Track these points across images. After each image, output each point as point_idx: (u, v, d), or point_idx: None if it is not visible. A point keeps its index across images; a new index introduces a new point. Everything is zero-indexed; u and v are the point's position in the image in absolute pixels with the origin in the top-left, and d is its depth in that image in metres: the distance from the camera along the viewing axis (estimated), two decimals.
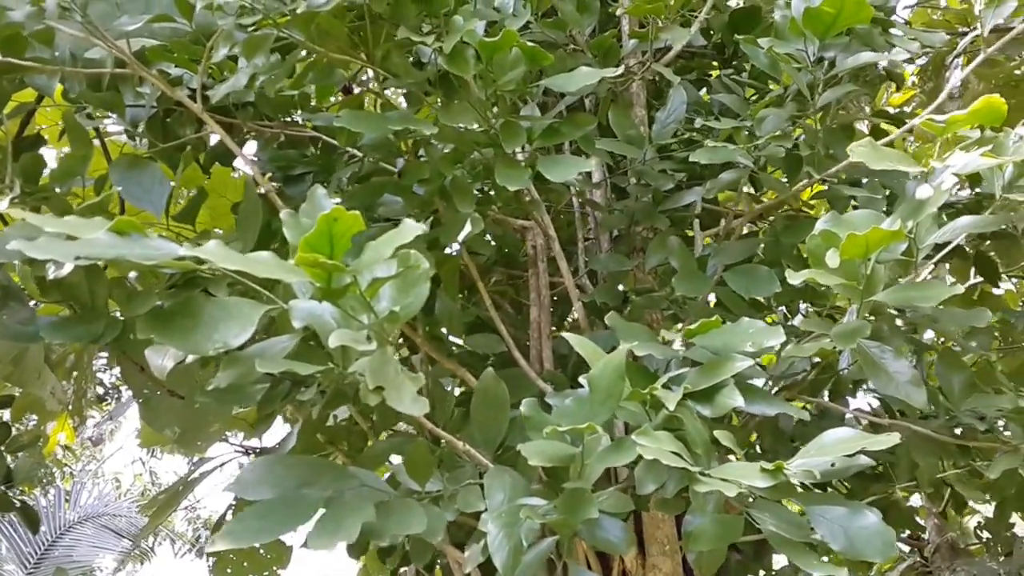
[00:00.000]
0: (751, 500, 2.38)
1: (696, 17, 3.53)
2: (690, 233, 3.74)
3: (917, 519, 6.10)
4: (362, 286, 2.02)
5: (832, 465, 2.28)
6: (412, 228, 1.98)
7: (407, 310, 2.17)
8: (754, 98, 3.61)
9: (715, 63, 4.20)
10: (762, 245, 3.36)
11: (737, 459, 2.43)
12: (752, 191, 3.77)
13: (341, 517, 2.26)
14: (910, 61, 3.43)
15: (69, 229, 1.93)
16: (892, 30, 3.31)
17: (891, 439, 2.14)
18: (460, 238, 2.81)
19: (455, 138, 2.87)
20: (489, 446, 2.73)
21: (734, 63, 4.03)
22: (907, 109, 7.02)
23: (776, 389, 3.28)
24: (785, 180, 3.26)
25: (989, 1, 2.97)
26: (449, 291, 3.30)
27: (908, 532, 6.32)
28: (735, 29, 3.79)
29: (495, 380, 2.76)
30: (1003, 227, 3.30)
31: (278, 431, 3.91)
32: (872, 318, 2.97)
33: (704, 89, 4.10)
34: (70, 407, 5.58)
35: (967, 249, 3.88)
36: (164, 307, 2.24)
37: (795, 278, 2.39)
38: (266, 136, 3.59)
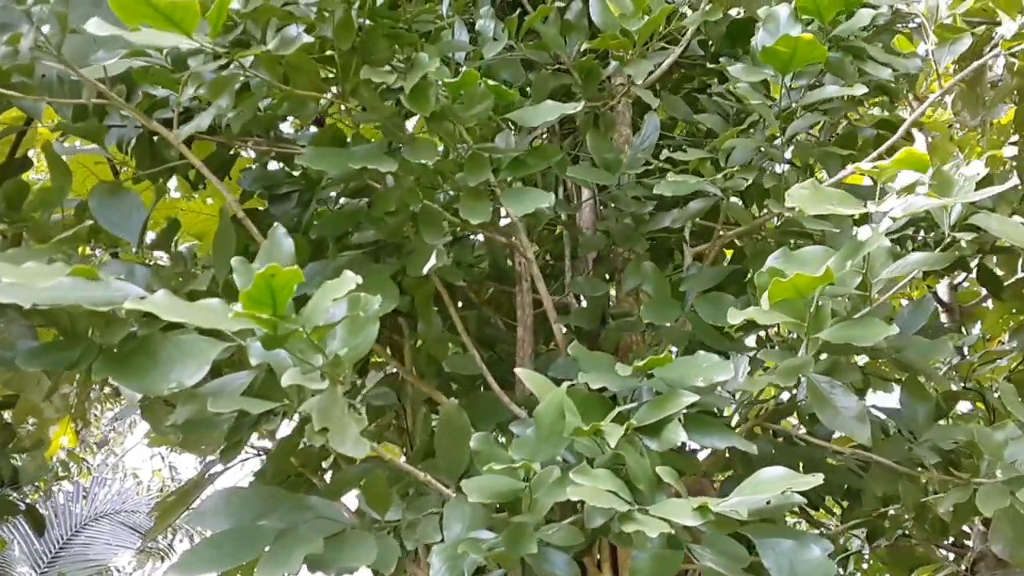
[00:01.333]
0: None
1: (683, 34, 3.71)
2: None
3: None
4: (306, 333, 2.23)
5: (768, 503, 2.48)
6: (350, 280, 2.20)
7: (355, 351, 2.39)
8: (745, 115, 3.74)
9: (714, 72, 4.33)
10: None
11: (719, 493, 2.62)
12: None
13: (290, 549, 2.50)
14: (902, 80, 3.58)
15: (27, 278, 2.17)
16: (874, 51, 3.45)
17: (816, 479, 2.35)
18: (425, 270, 3.00)
19: (420, 171, 3.07)
20: (453, 475, 2.92)
21: None
22: (948, 99, 7.14)
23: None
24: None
25: (940, 42, 3.14)
26: (424, 316, 3.50)
27: (952, 540, 6.38)
28: (733, 40, 3.96)
29: (457, 411, 2.97)
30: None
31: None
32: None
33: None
34: (72, 411, 5.83)
35: (969, 262, 4.03)
36: (120, 348, 2.48)
37: (735, 317, 2.59)
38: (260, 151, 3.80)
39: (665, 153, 3.38)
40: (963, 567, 6.31)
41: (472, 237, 4.03)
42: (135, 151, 3.54)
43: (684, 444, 2.99)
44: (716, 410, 3.35)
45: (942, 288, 6.66)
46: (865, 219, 2.94)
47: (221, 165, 3.75)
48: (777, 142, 3.30)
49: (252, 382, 2.66)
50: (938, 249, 2.88)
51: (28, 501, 6.08)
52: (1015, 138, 5.86)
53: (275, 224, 2.58)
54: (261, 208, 3.76)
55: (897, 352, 3.25)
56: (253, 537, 2.57)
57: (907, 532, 5.16)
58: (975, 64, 3.44)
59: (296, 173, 3.66)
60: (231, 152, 3.79)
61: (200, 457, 5.06)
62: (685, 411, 2.74)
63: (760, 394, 3.56)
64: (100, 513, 12.07)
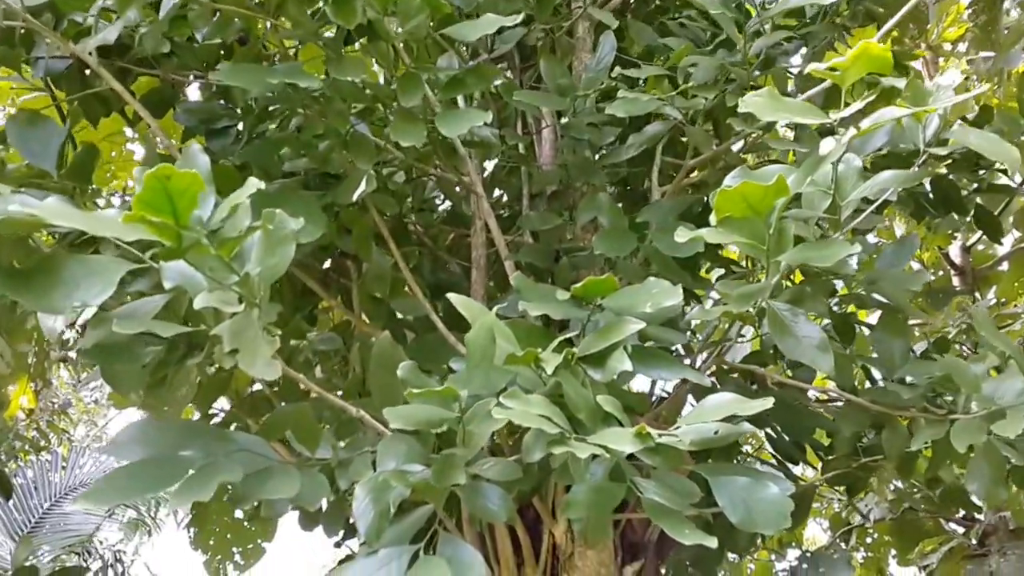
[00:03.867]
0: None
1: None
2: None
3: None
4: (213, 248, 2.08)
5: (715, 433, 2.32)
6: (252, 184, 2.06)
7: (271, 271, 2.24)
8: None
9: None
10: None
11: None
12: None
13: (207, 478, 2.34)
14: None
15: None
16: None
17: (765, 403, 2.19)
18: (355, 196, 2.84)
19: (350, 91, 2.90)
20: None
21: None
22: (962, 47, 6.97)
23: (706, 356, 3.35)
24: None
25: None
26: (363, 251, 3.34)
27: (963, 513, 6.26)
28: None
29: (391, 344, 2.81)
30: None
31: None
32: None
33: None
34: (31, 370, 5.68)
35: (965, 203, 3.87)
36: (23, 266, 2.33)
37: (682, 236, 2.42)
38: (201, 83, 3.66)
39: (618, 70, 3.19)
40: (972, 540, 6.22)
41: (426, 179, 3.88)
42: (65, 82, 3.43)
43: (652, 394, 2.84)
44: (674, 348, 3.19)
45: (954, 250, 6.47)
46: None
47: (161, 101, 3.59)
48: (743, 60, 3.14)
49: (176, 310, 2.52)
50: (914, 167, 2.72)
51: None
52: None
53: (191, 141, 2.43)
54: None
55: (870, 284, 3.09)
56: (171, 467, 2.41)
57: (913, 506, 5.03)
58: None
59: (239, 109, 3.50)
60: (172, 88, 3.63)
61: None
62: (635, 344, 2.59)
63: (727, 333, 3.40)
64: (80, 483, 11.90)
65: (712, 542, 2.22)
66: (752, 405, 2.22)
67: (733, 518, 2.39)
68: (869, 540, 7.53)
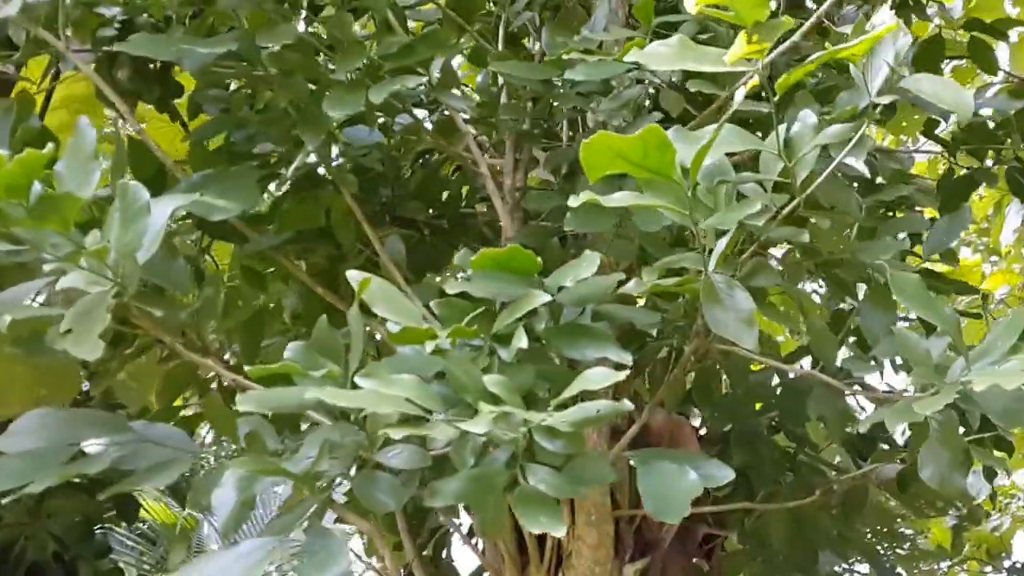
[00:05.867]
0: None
1: None
2: None
3: None
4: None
5: (597, 411, 2.04)
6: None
7: (126, 247, 2.10)
8: None
9: None
10: None
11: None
12: None
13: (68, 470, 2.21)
14: None
15: None
16: None
17: (619, 375, 1.96)
18: (289, 171, 2.65)
19: (301, 67, 2.72)
20: None
21: None
22: None
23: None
24: None
25: None
26: (343, 235, 3.15)
27: None
28: None
29: (328, 330, 2.61)
30: None
31: None
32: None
33: None
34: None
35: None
36: None
37: (575, 201, 2.16)
38: None
39: (584, 34, 2.92)
40: None
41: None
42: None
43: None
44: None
45: None
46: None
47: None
48: None
49: None
50: (856, 117, 2.39)
51: None
52: None
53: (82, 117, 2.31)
54: None
55: (851, 254, 2.75)
56: (44, 459, 2.27)
57: None
58: None
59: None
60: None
61: None
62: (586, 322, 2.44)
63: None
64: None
65: (558, 530, 1.94)
66: (615, 375, 1.97)
67: (647, 507, 2.19)
68: None
